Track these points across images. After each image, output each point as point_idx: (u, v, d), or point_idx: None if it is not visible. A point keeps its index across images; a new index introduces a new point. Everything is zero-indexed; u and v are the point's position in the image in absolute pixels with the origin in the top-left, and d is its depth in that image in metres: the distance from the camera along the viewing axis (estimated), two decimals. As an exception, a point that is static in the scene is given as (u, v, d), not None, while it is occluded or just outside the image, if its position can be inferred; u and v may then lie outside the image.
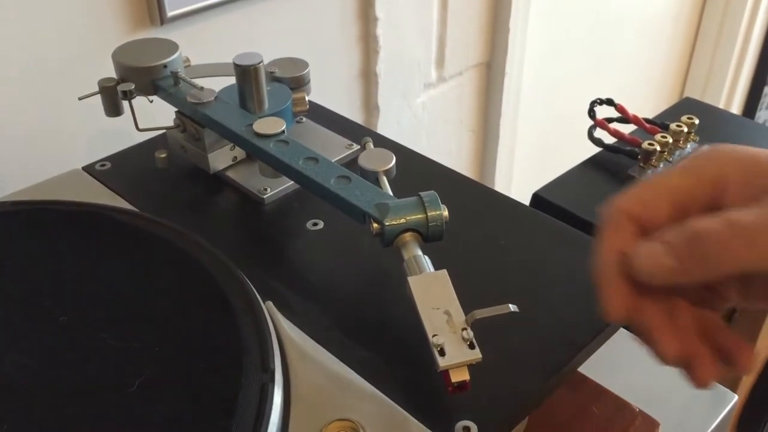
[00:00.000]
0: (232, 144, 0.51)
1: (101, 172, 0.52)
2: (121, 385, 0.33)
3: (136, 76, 0.49)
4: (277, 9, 0.78)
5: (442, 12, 0.98)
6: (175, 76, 0.50)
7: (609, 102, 0.76)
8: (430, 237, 0.38)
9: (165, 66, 0.50)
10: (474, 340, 0.33)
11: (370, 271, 0.44)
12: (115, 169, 0.52)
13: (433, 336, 0.32)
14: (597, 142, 0.73)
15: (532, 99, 1.19)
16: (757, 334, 0.67)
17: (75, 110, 0.63)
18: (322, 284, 0.43)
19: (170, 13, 0.69)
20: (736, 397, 0.53)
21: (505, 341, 0.38)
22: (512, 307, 0.33)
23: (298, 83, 0.54)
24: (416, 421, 0.34)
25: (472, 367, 0.32)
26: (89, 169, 0.53)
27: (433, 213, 0.38)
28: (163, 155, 0.50)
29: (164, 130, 0.52)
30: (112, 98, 0.51)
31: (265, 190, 0.49)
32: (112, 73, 0.52)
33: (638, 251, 0.29)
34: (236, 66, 0.48)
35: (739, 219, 0.27)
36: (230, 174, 0.51)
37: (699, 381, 0.30)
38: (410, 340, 0.38)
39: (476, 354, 0.32)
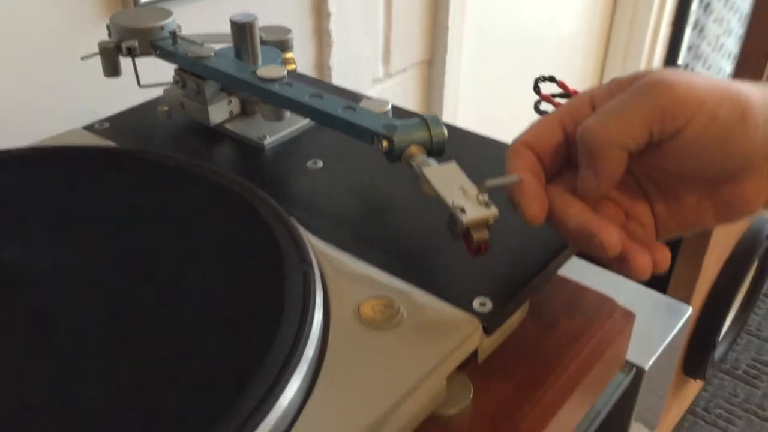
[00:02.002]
0: (229, 99, 0.55)
1: (101, 130, 0.55)
2: (181, 281, 0.36)
3: (135, 37, 0.53)
4: (240, 2, 0.82)
5: (387, 10, 1.05)
6: (173, 35, 0.53)
7: (551, 79, 0.83)
8: (433, 152, 0.43)
9: (162, 27, 0.54)
10: (490, 202, 0.36)
11: (372, 197, 0.48)
12: (115, 128, 0.55)
13: (453, 202, 0.36)
14: (542, 113, 0.80)
15: (470, 96, 1.27)
16: (701, 261, 0.75)
17: (55, 85, 0.66)
18: (329, 209, 0.47)
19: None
20: (690, 309, 0.60)
21: (502, 237, 0.42)
22: (517, 177, 0.36)
23: (284, 46, 0.58)
24: (440, 299, 0.39)
25: (481, 256, 0.36)
26: (89, 128, 0.55)
27: (436, 131, 0.43)
28: (165, 108, 0.54)
29: (164, 86, 0.56)
30: (112, 59, 0.54)
31: (264, 137, 0.53)
32: (88, 49, 0.55)
33: (587, 124, 0.34)
34: (233, 23, 0.53)
35: (604, 107, 0.34)
36: (228, 126, 0.55)
37: (639, 268, 0.35)
38: (420, 244, 0.43)
39: (494, 211, 0.35)
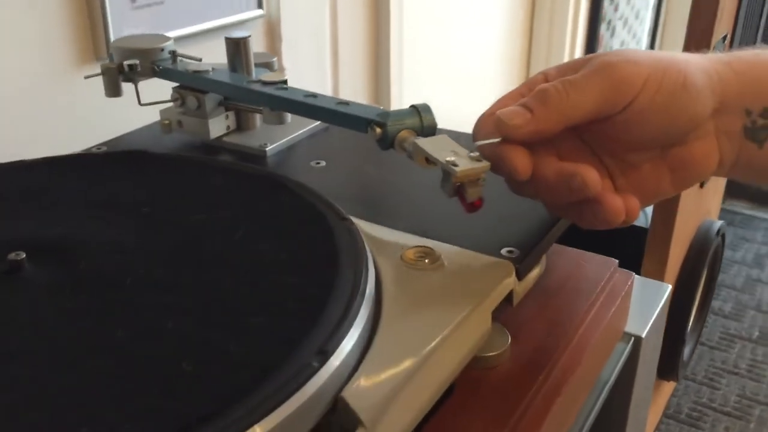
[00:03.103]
0: (226, 113, 0.57)
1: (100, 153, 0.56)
2: (237, 243, 0.38)
3: (137, 57, 0.55)
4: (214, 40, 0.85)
5: (334, 59, 1.10)
6: (173, 54, 0.55)
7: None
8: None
9: (162, 49, 0.56)
10: (481, 158, 0.37)
11: (381, 184, 0.51)
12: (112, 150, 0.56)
13: (446, 159, 0.37)
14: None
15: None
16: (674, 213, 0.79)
17: (39, 129, 0.66)
18: (342, 195, 0.49)
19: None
20: (669, 286, 0.63)
21: (514, 199, 0.45)
22: (499, 139, 0.37)
23: (270, 68, 0.61)
24: (471, 250, 0.41)
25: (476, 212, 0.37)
26: (87, 152, 0.56)
27: (427, 117, 0.44)
28: (166, 121, 0.55)
29: (163, 103, 0.57)
30: (114, 79, 0.55)
31: (265, 144, 0.55)
32: (64, 99, 0.57)
33: (502, 111, 0.37)
34: (229, 39, 0.56)
35: (569, 78, 0.37)
36: (227, 139, 0.57)
37: (613, 208, 0.37)
38: (436, 215, 0.46)
39: (485, 164, 0.36)
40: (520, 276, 0.41)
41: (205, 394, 0.27)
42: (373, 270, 0.36)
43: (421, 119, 0.44)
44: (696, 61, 0.38)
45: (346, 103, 0.49)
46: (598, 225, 0.38)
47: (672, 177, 0.39)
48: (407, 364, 0.32)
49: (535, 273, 0.45)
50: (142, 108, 0.60)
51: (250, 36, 0.56)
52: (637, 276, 0.64)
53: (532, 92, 0.38)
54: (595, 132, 0.38)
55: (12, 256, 0.34)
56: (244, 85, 0.52)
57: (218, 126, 0.57)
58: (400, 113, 0.44)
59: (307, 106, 0.50)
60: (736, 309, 1.82)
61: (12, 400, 0.27)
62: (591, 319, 0.46)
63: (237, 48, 0.56)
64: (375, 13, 1.17)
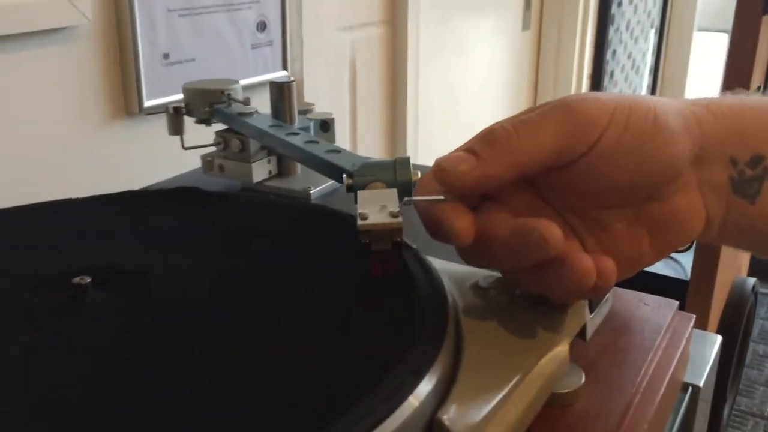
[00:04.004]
0: (268, 158, 0.56)
1: (141, 195, 0.55)
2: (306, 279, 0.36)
3: (199, 98, 0.55)
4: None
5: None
6: (228, 97, 0.55)
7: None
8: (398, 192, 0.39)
9: (223, 92, 0.55)
10: (400, 215, 0.32)
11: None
12: (154, 193, 0.55)
13: (359, 211, 0.33)
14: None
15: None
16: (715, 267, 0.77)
17: (73, 179, 0.66)
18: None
19: (147, 104, 0.75)
20: (719, 337, 0.62)
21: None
22: (442, 196, 0.33)
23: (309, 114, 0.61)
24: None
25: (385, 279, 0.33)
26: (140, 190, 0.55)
27: (402, 172, 0.41)
28: (210, 159, 0.55)
29: (206, 147, 0.57)
30: (175, 119, 0.55)
31: (309, 188, 0.55)
32: (98, 150, 0.57)
33: (443, 158, 0.32)
34: (273, 84, 0.55)
35: (521, 116, 0.32)
36: (269, 184, 0.56)
37: (582, 270, 0.30)
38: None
39: (396, 220, 0.32)
40: (591, 308, 0.39)
41: (302, 409, 0.25)
42: (452, 298, 0.35)
43: (395, 173, 0.41)
44: (666, 101, 0.33)
45: (337, 151, 0.47)
46: (565, 292, 0.33)
47: (651, 239, 0.33)
48: (498, 389, 0.30)
49: (605, 308, 0.44)
50: (173, 159, 0.60)
51: (294, 81, 0.56)
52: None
53: (477, 135, 0.32)
54: (556, 185, 0.33)
55: (77, 280, 0.33)
56: (262, 128, 0.52)
57: (261, 170, 0.56)
58: (376, 165, 0.42)
59: (295, 149, 0.48)
60: (745, 385, 1.77)
61: (106, 418, 0.25)
62: (659, 361, 0.44)
63: (280, 92, 0.55)
64: (392, 72, 1.18)
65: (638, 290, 0.63)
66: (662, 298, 0.49)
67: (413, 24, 1.17)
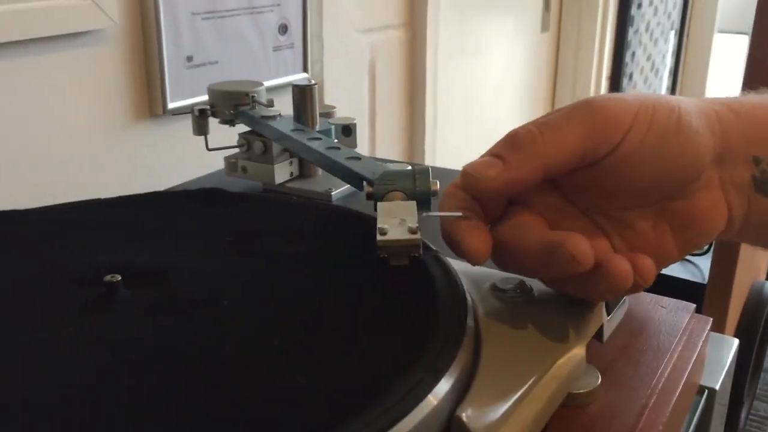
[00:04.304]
0: (290, 159, 0.57)
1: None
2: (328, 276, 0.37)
3: (226, 99, 0.55)
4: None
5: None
6: (252, 99, 0.56)
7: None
8: (417, 201, 0.39)
9: (247, 94, 0.56)
10: (419, 231, 0.33)
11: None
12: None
13: (379, 225, 0.33)
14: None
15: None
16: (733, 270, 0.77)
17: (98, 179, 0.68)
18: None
19: (170, 106, 0.76)
20: (737, 341, 0.62)
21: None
22: (459, 213, 0.33)
23: (330, 116, 0.62)
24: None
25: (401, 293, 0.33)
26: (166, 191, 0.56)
27: (421, 181, 0.41)
28: (233, 160, 0.56)
29: (230, 148, 0.58)
30: (200, 120, 0.56)
31: (330, 189, 0.56)
32: (120, 150, 0.59)
33: (470, 165, 0.32)
34: (296, 87, 0.57)
35: (544, 118, 0.33)
36: (290, 185, 0.57)
37: (619, 273, 0.31)
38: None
39: (415, 237, 0.32)
40: (608, 310, 0.40)
41: (322, 406, 0.26)
42: (470, 300, 0.36)
43: (415, 182, 0.41)
44: (689, 101, 0.33)
45: (358, 158, 0.48)
46: (605, 294, 0.34)
47: (675, 237, 0.34)
48: (516, 388, 0.31)
49: (621, 310, 0.44)
50: (195, 160, 0.61)
51: (315, 84, 0.57)
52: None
53: (502, 139, 0.33)
54: (581, 186, 0.33)
55: (108, 278, 0.34)
56: (286, 132, 0.53)
57: (283, 172, 0.57)
58: (396, 174, 0.42)
59: (316, 154, 0.49)
60: (763, 389, 1.76)
61: (134, 410, 0.26)
62: (675, 363, 0.44)
63: (303, 95, 0.56)
64: (411, 74, 1.19)
65: (655, 293, 0.63)
66: (679, 301, 0.50)
67: (432, 26, 1.17)
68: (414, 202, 0.37)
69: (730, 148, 0.33)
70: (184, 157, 0.64)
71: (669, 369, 0.43)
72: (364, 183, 0.42)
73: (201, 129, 0.58)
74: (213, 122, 0.60)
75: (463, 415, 0.28)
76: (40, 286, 0.35)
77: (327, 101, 1.00)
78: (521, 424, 0.31)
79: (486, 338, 0.34)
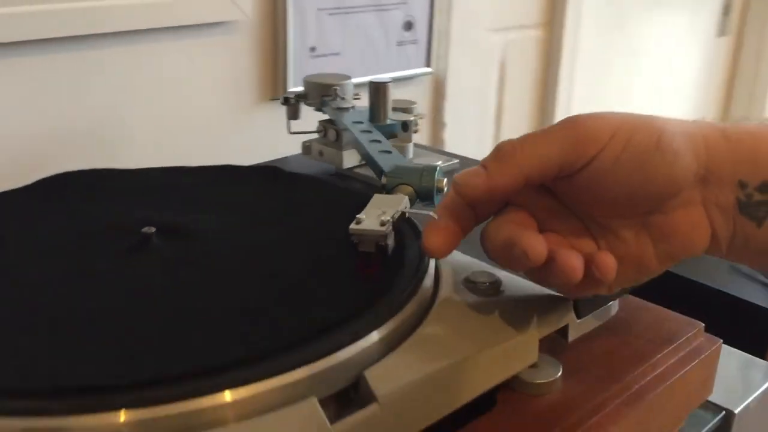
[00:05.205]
0: (361, 147, 0.64)
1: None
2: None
3: (314, 90, 0.64)
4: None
5: (497, 123, 1.15)
6: (335, 92, 0.64)
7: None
8: (420, 196, 0.46)
9: (331, 86, 0.64)
10: (390, 226, 0.38)
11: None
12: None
13: (358, 215, 0.39)
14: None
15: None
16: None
17: (222, 149, 0.78)
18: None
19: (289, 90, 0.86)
20: (775, 368, 0.60)
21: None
22: (434, 214, 0.38)
23: (408, 112, 0.68)
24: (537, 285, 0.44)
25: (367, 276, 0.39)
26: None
27: (426, 179, 0.46)
28: (308, 144, 0.64)
29: (310, 132, 0.66)
30: (295, 106, 0.65)
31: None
32: (242, 134, 0.67)
33: (458, 175, 0.37)
34: (371, 83, 0.63)
35: (530, 133, 0.36)
36: (358, 171, 0.64)
37: (567, 266, 0.35)
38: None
39: (382, 230, 0.37)
40: (579, 314, 0.43)
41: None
42: (432, 280, 0.41)
43: (421, 179, 0.46)
44: (678, 123, 0.36)
45: (388, 152, 0.53)
46: (559, 286, 0.37)
47: (656, 249, 0.37)
48: (436, 363, 0.36)
49: (603, 315, 0.47)
50: (298, 139, 0.69)
51: (390, 82, 0.63)
52: (745, 354, 0.62)
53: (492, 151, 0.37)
54: (566, 193, 0.37)
55: (145, 229, 0.43)
56: (343, 120, 0.59)
57: (351, 158, 0.64)
58: (406, 169, 0.47)
59: (360, 145, 0.55)
60: None
61: (155, 321, 0.35)
62: (659, 373, 0.46)
63: (377, 91, 0.63)
64: (543, 80, 1.21)
65: (728, 317, 0.64)
66: (689, 318, 0.51)
67: (572, 27, 1.18)
68: (404, 197, 0.43)
69: (716, 171, 0.35)
70: (293, 137, 0.73)
71: (648, 377, 0.45)
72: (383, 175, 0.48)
73: (293, 114, 0.66)
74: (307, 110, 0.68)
75: (368, 374, 0.34)
76: (96, 232, 0.44)
77: (450, 98, 1.05)
78: (426, 398, 0.35)
79: (431, 316, 0.39)
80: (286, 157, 0.72)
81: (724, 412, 0.55)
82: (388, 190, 0.46)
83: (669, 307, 0.52)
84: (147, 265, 0.41)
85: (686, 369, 0.47)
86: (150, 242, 0.42)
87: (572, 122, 0.35)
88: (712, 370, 0.51)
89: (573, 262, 0.35)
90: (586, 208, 0.37)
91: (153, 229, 0.43)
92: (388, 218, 0.39)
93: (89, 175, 0.52)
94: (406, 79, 0.98)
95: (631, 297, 0.52)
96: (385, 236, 0.38)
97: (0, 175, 0.54)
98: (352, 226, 0.38)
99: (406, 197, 0.43)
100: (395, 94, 0.70)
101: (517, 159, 0.35)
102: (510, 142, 0.36)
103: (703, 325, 0.50)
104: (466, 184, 0.36)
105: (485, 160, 0.37)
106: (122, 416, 0.29)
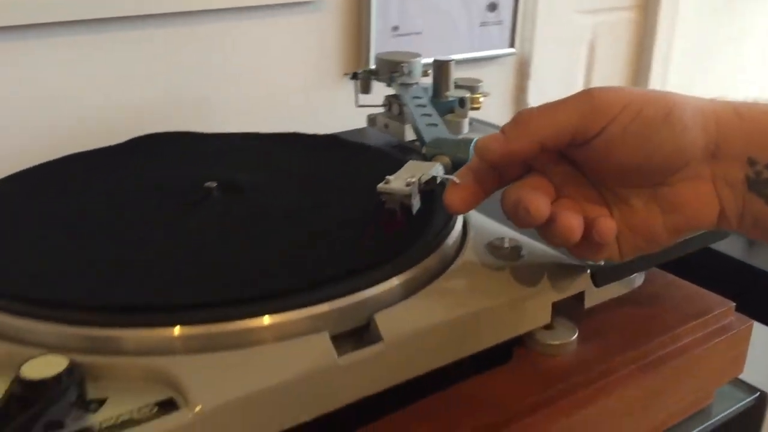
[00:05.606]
0: (423, 121, 0.68)
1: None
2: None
3: (384, 67, 0.68)
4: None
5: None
6: (402, 68, 0.67)
7: None
8: (456, 166, 0.47)
9: (399, 63, 0.68)
10: (416, 188, 0.42)
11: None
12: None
13: (389, 177, 0.43)
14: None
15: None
16: None
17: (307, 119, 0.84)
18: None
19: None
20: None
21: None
22: (456, 179, 0.41)
23: (473, 91, 0.71)
24: (558, 253, 0.47)
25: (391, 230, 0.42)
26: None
27: (460, 153, 0.50)
28: (373, 116, 0.68)
29: (377, 106, 0.70)
30: (367, 80, 0.70)
31: (445, 150, 0.65)
32: (324, 106, 0.73)
33: (481, 139, 0.39)
34: (435, 61, 0.67)
35: (546, 103, 0.38)
36: (418, 144, 0.68)
37: (566, 227, 0.37)
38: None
39: (406, 190, 0.41)
40: (597, 283, 0.45)
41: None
42: (456, 241, 0.44)
43: (456, 150, 0.50)
44: (693, 100, 0.37)
45: (435, 125, 0.57)
46: (560, 244, 0.39)
47: (664, 220, 0.39)
48: (444, 314, 0.40)
49: (625, 286, 0.48)
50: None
51: (452, 61, 0.66)
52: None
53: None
54: (580, 160, 0.39)
55: (207, 184, 0.49)
56: (402, 94, 0.63)
57: (412, 131, 0.68)
58: (444, 141, 0.51)
59: (411, 118, 0.59)
60: None
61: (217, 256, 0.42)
62: (680, 345, 0.48)
63: (440, 69, 0.66)
64: (635, 65, 1.20)
65: None
66: (721, 297, 0.52)
67: (669, 9, 1.16)
68: (437, 164, 0.46)
69: (726, 147, 0.37)
70: (370, 109, 0.78)
71: (667, 348, 0.47)
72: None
73: (365, 88, 0.71)
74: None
75: (378, 316, 0.38)
76: (170, 185, 0.50)
77: (535, 78, 1.07)
78: (430, 345, 0.39)
79: (449, 273, 0.43)
80: (361, 129, 0.76)
81: (759, 393, 0.55)
82: (427, 159, 0.50)
83: (714, 288, 0.53)
84: (205, 213, 0.47)
85: (710, 344, 0.49)
86: (211, 196, 0.48)
87: (588, 93, 0.38)
88: (742, 349, 0.52)
89: (571, 222, 0.38)
90: (600, 176, 0.39)
91: (214, 185, 0.49)
92: (414, 180, 0.43)
93: (171, 136, 0.59)
94: (488, 59, 1.01)
95: (664, 273, 0.54)
96: (409, 196, 0.42)
97: (98, 135, 0.62)
98: (380, 185, 0.42)
99: (438, 164, 0.46)
100: (475, 73, 0.73)
101: (532, 125, 0.38)
102: (528, 109, 0.38)
103: (734, 304, 0.51)
104: (486, 148, 0.39)
105: (505, 125, 0.40)
106: (176, 331, 0.35)
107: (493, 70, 1.03)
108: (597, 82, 1.15)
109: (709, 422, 0.52)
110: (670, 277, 0.54)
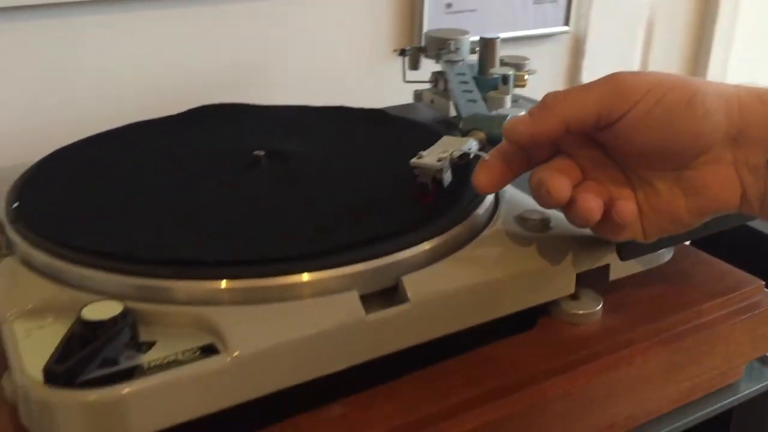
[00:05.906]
0: (468, 98, 0.70)
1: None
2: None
3: (432, 44, 0.71)
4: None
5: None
6: (449, 46, 0.69)
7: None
8: (490, 141, 0.51)
9: (446, 41, 0.70)
10: (447, 163, 0.44)
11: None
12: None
13: (422, 152, 0.45)
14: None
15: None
16: None
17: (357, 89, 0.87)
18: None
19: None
20: None
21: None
22: (486, 156, 0.43)
23: (520, 69, 0.72)
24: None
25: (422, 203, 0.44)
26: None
27: (494, 128, 0.51)
28: (419, 92, 0.71)
29: (424, 82, 0.73)
30: (415, 57, 0.72)
31: (488, 126, 0.67)
32: (381, 75, 0.76)
33: (509, 120, 0.41)
34: (481, 39, 0.68)
35: (572, 87, 0.39)
36: (463, 119, 0.70)
37: (585, 209, 0.39)
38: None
39: (437, 165, 0.43)
40: (622, 257, 0.47)
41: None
42: (487, 212, 0.47)
43: (491, 126, 0.51)
44: (717, 85, 0.38)
45: (474, 101, 0.58)
46: (581, 225, 0.41)
47: (687, 203, 0.40)
48: (469, 279, 0.42)
49: (653, 260, 0.50)
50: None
51: (498, 38, 0.68)
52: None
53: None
54: (606, 143, 0.40)
55: (256, 152, 0.52)
56: (446, 70, 0.65)
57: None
58: (481, 117, 0.52)
59: (452, 93, 0.61)
60: None
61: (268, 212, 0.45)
62: (705, 321, 0.49)
63: (486, 46, 0.68)
64: (695, 43, 1.18)
65: None
66: (750, 275, 0.53)
67: (732, -11, 1.14)
68: (471, 140, 0.49)
69: (748, 132, 0.38)
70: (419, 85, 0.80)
71: (691, 322, 0.48)
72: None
73: (414, 64, 0.73)
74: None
75: (405, 278, 0.41)
76: (222, 152, 0.54)
77: (590, 57, 1.07)
78: (454, 308, 0.41)
79: (477, 242, 0.45)
80: (409, 104, 0.78)
81: (788, 374, 0.56)
82: (463, 134, 0.52)
83: (750, 267, 0.54)
84: (252, 180, 0.50)
85: (735, 320, 0.50)
86: (259, 163, 0.52)
87: (613, 78, 0.39)
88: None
89: (590, 204, 0.39)
90: (625, 159, 0.41)
91: (263, 153, 0.52)
92: (446, 155, 0.45)
93: (225, 107, 0.63)
94: (542, 37, 1.01)
95: (696, 251, 0.55)
96: (440, 170, 0.44)
97: (158, 106, 0.66)
98: (413, 159, 0.45)
99: (472, 140, 0.48)
100: (529, 52, 0.74)
101: (558, 108, 0.39)
102: (555, 92, 0.40)
103: (764, 282, 0.52)
104: (513, 129, 0.41)
105: (532, 108, 0.42)
106: (222, 284, 0.39)
107: (547, 49, 1.03)
108: (654, 64, 1.14)
109: (736, 396, 0.53)
110: (702, 254, 0.55)
